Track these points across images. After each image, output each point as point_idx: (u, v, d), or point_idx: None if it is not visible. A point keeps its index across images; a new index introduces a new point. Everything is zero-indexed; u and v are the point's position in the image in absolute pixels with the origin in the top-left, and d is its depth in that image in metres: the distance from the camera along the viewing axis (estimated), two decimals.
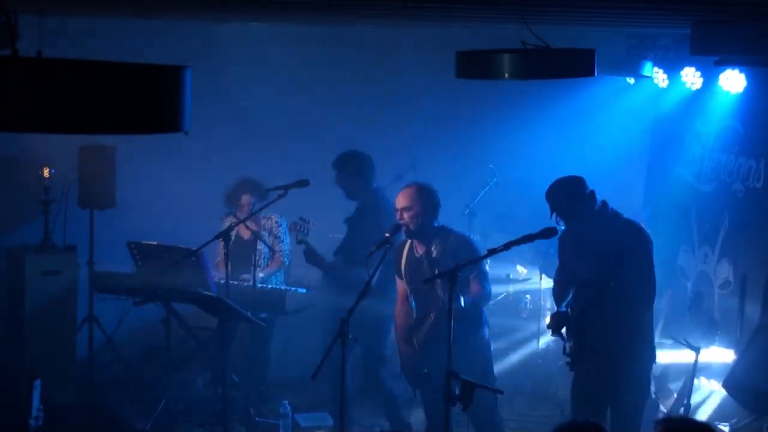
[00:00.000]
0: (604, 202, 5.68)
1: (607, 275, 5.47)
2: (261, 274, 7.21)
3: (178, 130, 2.39)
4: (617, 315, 5.52)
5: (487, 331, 6.07)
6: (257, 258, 7.14)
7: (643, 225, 5.87)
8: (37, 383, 6.05)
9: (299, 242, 6.67)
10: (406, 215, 5.82)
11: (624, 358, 5.58)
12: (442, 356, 4.92)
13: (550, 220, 5.55)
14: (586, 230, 5.67)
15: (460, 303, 5.33)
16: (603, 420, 5.51)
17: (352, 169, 6.77)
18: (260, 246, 7.26)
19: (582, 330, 5.61)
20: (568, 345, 5.65)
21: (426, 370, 5.73)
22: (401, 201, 5.88)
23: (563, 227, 5.66)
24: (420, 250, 5.91)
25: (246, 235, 7.29)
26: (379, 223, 6.23)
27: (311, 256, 6.71)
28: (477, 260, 5.51)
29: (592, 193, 5.61)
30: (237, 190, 7.36)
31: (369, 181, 6.79)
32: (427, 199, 5.87)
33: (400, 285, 6.10)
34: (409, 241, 5.99)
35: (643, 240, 5.66)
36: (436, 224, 5.92)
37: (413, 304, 6.00)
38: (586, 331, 5.60)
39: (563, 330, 5.64)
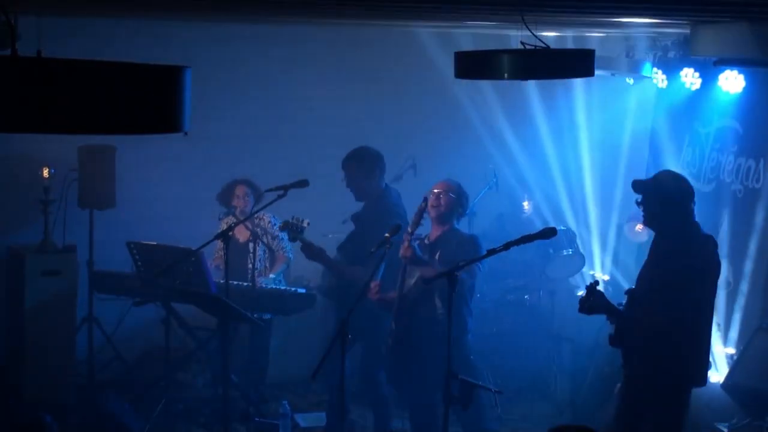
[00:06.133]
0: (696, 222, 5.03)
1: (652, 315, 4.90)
2: (272, 275, 7.21)
3: (178, 130, 2.38)
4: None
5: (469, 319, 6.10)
6: (254, 260, 7.13)
7: (712, 246, 4.99)
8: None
9: (292, 240, 6.56)
10: (442, 198, 6.01)
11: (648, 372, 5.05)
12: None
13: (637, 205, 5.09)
14: (662, 245, 5.07)
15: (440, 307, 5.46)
16: None
17: (363, 168, 6.55)
18: (251, 248, 7.22)
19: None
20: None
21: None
22: (443, 185, 6.08)
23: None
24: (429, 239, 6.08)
25: (242, 238, 7.27)
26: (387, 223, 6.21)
27: (311, 251, 6.43)
28: (476, 260, 5.52)
29: (690, 209, 4.99)
30: (230, 185, 7.35)
31: (380, 179, 6.60)
32: (461, 196, 6.10)
33: None
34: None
35: (698, 264, 4.92)
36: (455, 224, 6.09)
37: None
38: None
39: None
